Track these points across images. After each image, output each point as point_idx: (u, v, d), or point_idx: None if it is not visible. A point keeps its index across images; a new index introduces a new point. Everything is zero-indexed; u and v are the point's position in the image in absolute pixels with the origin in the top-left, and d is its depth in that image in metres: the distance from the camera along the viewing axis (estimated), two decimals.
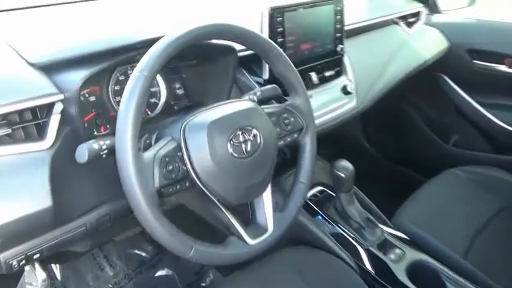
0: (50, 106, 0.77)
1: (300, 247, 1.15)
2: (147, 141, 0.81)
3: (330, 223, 1.20)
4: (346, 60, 1.28)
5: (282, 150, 1.19)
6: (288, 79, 0.88)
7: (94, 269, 1.44)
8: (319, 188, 1.30)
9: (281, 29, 1.05)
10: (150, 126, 0.85)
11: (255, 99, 0.95)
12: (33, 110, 0.76)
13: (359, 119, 1.90)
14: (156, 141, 0.76)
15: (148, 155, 0.69)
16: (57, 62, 0.80)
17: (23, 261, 0.77)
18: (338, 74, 1.26)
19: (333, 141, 1.93)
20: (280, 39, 1.05)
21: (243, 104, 0.82)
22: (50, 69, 0.80)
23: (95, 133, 0.93)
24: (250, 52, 1.05)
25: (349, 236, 1.16)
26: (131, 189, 0.65)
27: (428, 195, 1.36)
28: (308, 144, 0.92)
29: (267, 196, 0.86)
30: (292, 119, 0.89)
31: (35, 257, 0.78)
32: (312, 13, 1.12)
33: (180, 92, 1.07)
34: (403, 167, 1.93)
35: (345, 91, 1.24)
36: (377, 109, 1.41)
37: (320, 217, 1.22)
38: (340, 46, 1.22)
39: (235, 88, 1.07)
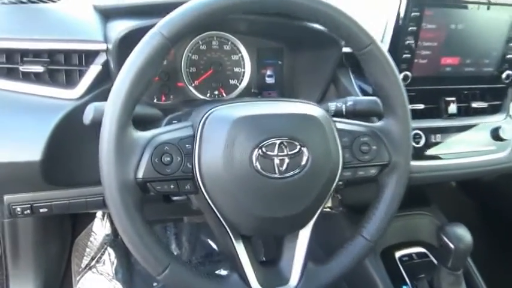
0: (94, 55, 0.69)
1: None
2: (174, 121, 0.67)
3: None
4: None
5: None
6: (384, 90, 0.62)
7: None
8: (420, 249, 0.98)
9: (414, 28, 0.77)
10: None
11: (343, 109, 0.71)
12: (80, 55, 0.69)
13: None
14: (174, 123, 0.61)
15: (141, 135, 0.54)
16: (121, 9, 0.71)
17: (28, 211, 0.71)
18: (494, 110, 0.91)
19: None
20: (409, 42, 0.78)
21: (303, 108, 0.60)
22: (111, 15, 0.71)
23: (155, 100, 0.83)
24: None
25: None
26: (104, 172, 0.51)
27: None
28: (389, 189, 0.64)
29: (304, 237, 0.63)
30: (375, 148, 0.63)
31: (41, 210, 0.72)
32: (471, 17, 0.80)
33: (270, 80, 0.90)
34: None
35: (496, 136, 0.88)
36: None
37: None
38: (509, 73, 0.87)
39: (334, 91, 0.84)
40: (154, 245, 0.54)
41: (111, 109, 0.51)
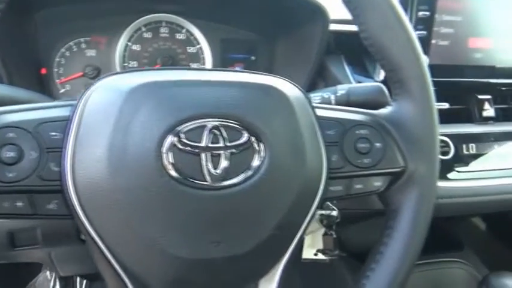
0: None
1: None
2: None
3: None
4: None
5: None
6: (388, 55, 0.39)
7: None
8: None
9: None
10: None
11: (331, 101, 0.48)
12: None
13: None
14: None
15: None
16: None
17: None
18: None
19: None
20: (422, 14, 0.56)
21: (259, 77, 0.37)
22: None
23: None
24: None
25: None
26: None
27: None
28: (405, 214, 0.39)
29: None
30: (379, 145, 0.39)
31: None
32: None
33: None
34: None
35: None
36: None
37: None
38: None
39: (322, 83, 0.63)
40: None
41: None
